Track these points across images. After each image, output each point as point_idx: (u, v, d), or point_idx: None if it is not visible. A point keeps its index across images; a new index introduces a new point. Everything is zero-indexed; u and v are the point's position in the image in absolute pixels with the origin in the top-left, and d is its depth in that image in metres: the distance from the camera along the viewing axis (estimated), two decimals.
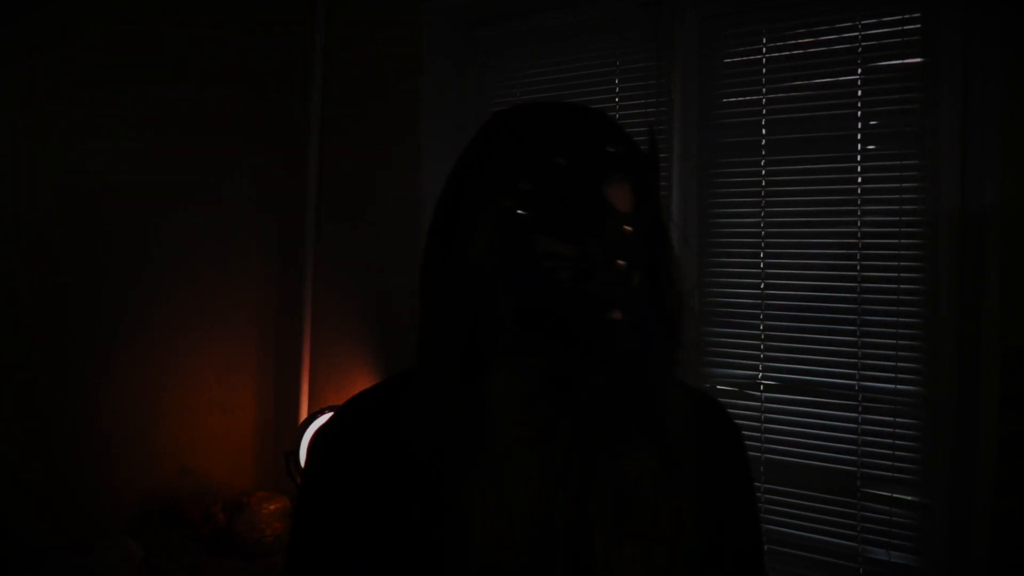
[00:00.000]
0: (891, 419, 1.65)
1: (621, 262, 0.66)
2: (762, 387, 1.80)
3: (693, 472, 0.70)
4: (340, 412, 0.79)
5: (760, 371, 1.81)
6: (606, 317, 0.66)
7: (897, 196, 1.67)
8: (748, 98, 1.85)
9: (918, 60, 1.65)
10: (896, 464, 1.64)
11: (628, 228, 0.66)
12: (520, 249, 0.66)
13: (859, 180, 1.71)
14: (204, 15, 2.19)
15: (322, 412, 2.04)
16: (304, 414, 2.29)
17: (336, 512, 0.73)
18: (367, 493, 0.71)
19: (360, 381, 2.18)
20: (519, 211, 0.66)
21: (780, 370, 1.78)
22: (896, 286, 1.66)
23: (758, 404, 1.80)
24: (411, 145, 2.15)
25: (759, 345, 1.81)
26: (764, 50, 1.83)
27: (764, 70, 1.83)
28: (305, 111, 2.36)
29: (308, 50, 2.36)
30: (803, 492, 1.74)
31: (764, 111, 1.82)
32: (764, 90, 1.83)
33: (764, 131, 1.82)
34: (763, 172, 1.82)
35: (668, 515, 0.68)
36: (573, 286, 0.66)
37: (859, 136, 1.72)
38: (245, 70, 2.28)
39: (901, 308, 1.65)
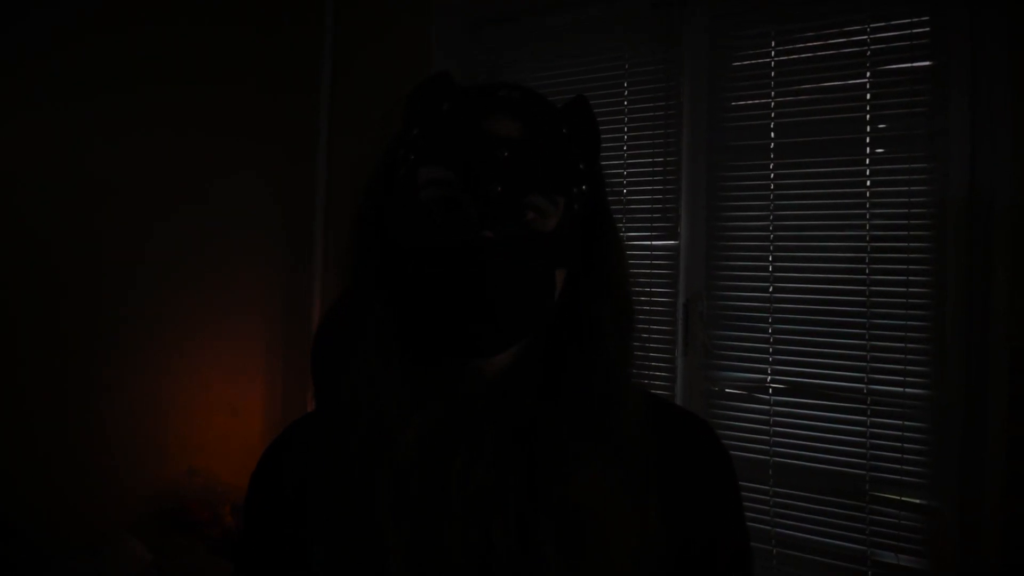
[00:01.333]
0: (900, 422, 1.65)
1: (499, 188, 0.64)
2: (771, 390, 1.80)
3: (654, 485, 0.66)
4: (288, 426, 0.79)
5: (769, 374, 1.81)
6: (477, 235, 0.63)
7: (906, 199, 1.67)
8: (757, 101, 1.85)
9: (927, 63, 1.65)
10: (905, 467, 1.64)
11: (506, 154, 0.65)
12: (404, 188, 0.68)
13: (868, 183, 1.71)
14: (214, 16, 2.19)
15: None
16: None
17: (273, 520, 0.71)
18: (296, 506, 0.68)
19: None
20: (410, 156, 0.68)
21: (789, 373, 1.78)
22: (905, 289, 1.66)
23: (767, 407, 1.80)
24: None
25: (768, 348, 1.81)
26: (773, 53, 1.83)
27: (773, 73, 1.83)
28: (314, 108, 2.36)
29: (317, 48, 2.37)
30: (812, 495, 1.74)
31: (773, 114, 1.82)
32: (773, 93, 1.83)
33: (773, 134, 1.82)
34: (772, 175, 1.82)
35: (625, 535, 0.63)
36: (445, 208, 0.66)
37: (868, 139, 1.72)
38: (254, 68, 2.28)
39: (910, 311, 1.65)
